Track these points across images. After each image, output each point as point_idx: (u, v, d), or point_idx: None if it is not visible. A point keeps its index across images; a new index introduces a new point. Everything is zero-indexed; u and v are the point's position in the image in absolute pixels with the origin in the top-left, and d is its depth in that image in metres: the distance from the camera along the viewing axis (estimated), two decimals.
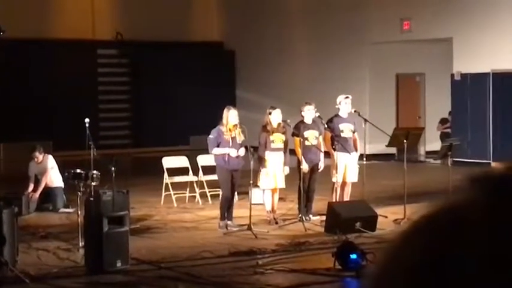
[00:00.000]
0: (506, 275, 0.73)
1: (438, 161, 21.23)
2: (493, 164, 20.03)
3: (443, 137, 21.53)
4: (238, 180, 12.43)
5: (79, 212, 10.72)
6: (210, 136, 12.39)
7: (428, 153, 22.94)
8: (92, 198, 10.31)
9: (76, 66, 25.00)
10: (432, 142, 22.65)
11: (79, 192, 11.00)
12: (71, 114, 22.63)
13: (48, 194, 14.25)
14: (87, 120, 12.14)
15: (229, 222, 12.32)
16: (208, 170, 14.54)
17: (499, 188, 0.77)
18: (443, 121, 22.61)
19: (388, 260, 0.81)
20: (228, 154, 12.16)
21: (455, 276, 0.75)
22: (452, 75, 21.35)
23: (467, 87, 20.91)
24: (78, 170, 11.40)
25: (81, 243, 10.53)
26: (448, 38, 21.22)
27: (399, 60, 23.56)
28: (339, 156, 12.80)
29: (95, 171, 11.48)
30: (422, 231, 0.79)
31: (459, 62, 21.09)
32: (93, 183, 11.33)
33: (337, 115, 13.16)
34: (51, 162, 14.46)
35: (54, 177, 14.33)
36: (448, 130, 21.93)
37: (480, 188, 0.78)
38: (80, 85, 24.88)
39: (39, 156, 14.39)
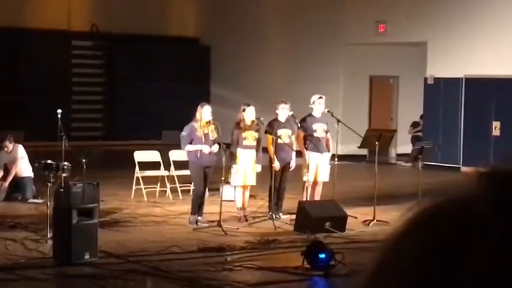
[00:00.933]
0: None
1: (409, 164, 21.29)
2: (463, 169, 20.20)
3: (415, 140, 21.64)
4: (210, 176, 12.44)
5: (48, 203, 10.67)
6: (183, 133, 12.38)
7: (399, 156, 23.06)
8: (61, 190, 10.27)
9: (50, 57, 24.84)
10: (403, 145, 22.76)
11: (49, 183, 10.93)
12: (44, 104, 22.49)
13: (18, 184, 14.16)
14: (59, 111, 12.08)
15: (199, 218, 12.32)
16: (179, 165, 14.53)
17: (506, 183, 0.78)
18: (414, 124, 22.74)
19: (386, 255, 0.80)
20: (201, 150, 12.15)
21: (463, 269, 0.75)
22: (425, 79, 21.49)
23: (439, 92, 21.06)
24: (49, 161, 11.35)
25: (49, 235, 10.48)
26: (422, 42, 21.35)
27: (373, 62, 23.67)
28: (311, 156, 12.84)
29: (65, 163, 11.43)
30: (424, 225, 0.78)
31: (433, 66, 21.23)
32: (64, 175, 11.28)
33: (310, 115, 13.20)
34: (21, 151, 14.37)
35: (24, 167, 14.23)
36: (420, 133, 22.06)
37: (488, 183, 0.78)
38: (53, 76, 24.74)
39: (9, 145, 14.29)
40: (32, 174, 14.08)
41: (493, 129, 19.84)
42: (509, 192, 0.77)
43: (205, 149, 12.12)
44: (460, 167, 20.36)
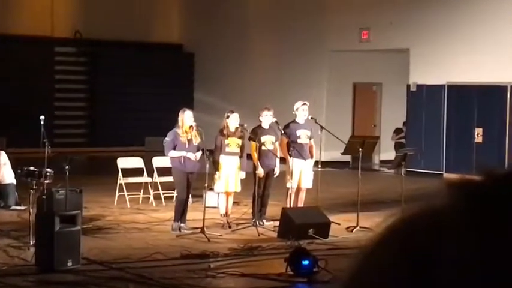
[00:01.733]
0: (484, 279, 0.74)
1: (392, 171, 21.42)
2: (446, 175, 20.26)
3: (398, 146, 21.73)
4: (193, 182, 12.42)
5: (31, 210, 10.62)
6: (166, 139, 12.37)
7: (383, 162, 23.13)
8: (44, 196, 10.23)
9: (33, 63, 24.76)
10: (386, 151, 22.83)
11: (31, 190, 10.88)
12: (27, 111, 22.40)
13: (0, 191, 14.07)
14: (42, 117, 12.04)
15: (182, 224, 12.30)
16: (163, 171, 14.50)
17: (478, 194, 0.78)
18: (398, 131, 22.82)
19: (361, 265, 0.80)
20: (184, 156, 12.13)
21: (432, 280, 0.75)
22: (408, 86, 21.57)
23: (422, 99, 21.14)
24: (32, 168, 11.29)
25: (32, 241, 10.42)
26: (405, 49, 21.44)
27: (357, 69, 23.73)
28: (294, 162, 12.85)
29: (48, 169, 11.39)
30: (399, 234, 0.79)
31: (415, 73, 21.32)
32: (47, 181, 11.24)
33: (294, 121, 13.21)
34: (3, 158, 14.29)
35: (6, 174, 14.15)
36: (403, 140, 22.13)
37: (460, 194, 0.79)
38: (36, 82, 24.66)
39: None
40: (14, 181, 14.00)
41: (476, 136, 19.93)
42: (480, 205, 0.78)
43: (191, 155, 12.11)
44: (442, 174, 20.44)
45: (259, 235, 12.01)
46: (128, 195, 14.66)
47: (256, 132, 12.82)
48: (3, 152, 14.47)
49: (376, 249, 0.80)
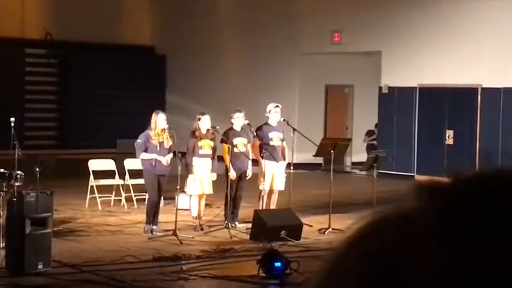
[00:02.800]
0: (452, 284, 0.73)
1: (364, 172, 21.46)
2: (417, 177, 20.37)
3: (369, 148, 21.79)
4: (164, 185, 12.38)
5: (1, 213, 10.52)
6: (138, 141, 12.31)
7: (354, 164, 23.20)
8: (14, 199, 10.13)
9: (3, 65, 24.56)
10: (358, 153, 22.90)
11: (1, 192, 10.77)
12: None
13: None
14: (12, 119, 11.92)
15: (154, 227, 12.26)
16: (134, 173, 14.44)
17: (446, 197, 0.77)
18: (369, 133, 22.91)
19: (329, 268, 0.80)
20: (156, 159, 12.09)
21: (400, 283, 0.74)
22: (380, 88, 21.66)
23: (394, 101, 21.24)
24: (2, 170, 11.17)
25: (2, 244, 10.32)
26: (377, 52, 21.53)
27: (329, 72, 23.80)
28: (267, 165, 12.85)
29: (18, 172, 11.27)
30: (366, 237, 0.78)
31: (387, 75, 21.42)
32: (17, 184, 11.12)
33: (266, 123, 13.22)
34: None
35: None
36: (374, 142, 22.23)
37: (428, 197, 0.78)
38: (6, 84, 24.45)
39: None
40: None
41: (447, 138, 20.06)
42: (447, 208, 0.77)
43: (162, 159, 12.07)
44: (414, 175, 20.54)
45: (231, 237, 11.99)
46: (100, 197, 14.58)
47: (228, 135, 12.80)
48: None
49: (344, 253, 0.79)
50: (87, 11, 26.33)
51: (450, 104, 19.99)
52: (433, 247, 0.74)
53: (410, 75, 20.66)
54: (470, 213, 0.76)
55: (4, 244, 10.19)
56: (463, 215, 0.76)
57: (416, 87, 20.68)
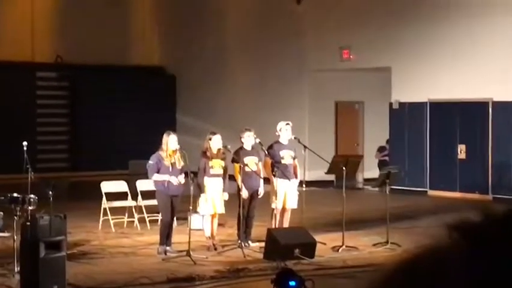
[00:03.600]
0: None
1: (376, 189, 21.44)
2: (430, 193, 20.31)
3: (381, 164, 21.76)
4: (177, 205, 12.38)
5: (15, 237, 10.54)
6: (149, 162, 12.32)
7: (367, 181, 23.15)
8: (28, 223, 10.15)
9: (15, 89, 24.69)
10: (370, 169, 22.87)
11: (15, 217, 10.80)
12: (9, 136, 22.30)
13: None
14: (24, 143, 11.97)
15: (168, 248, 12.25)
16: (147, 194, 14.45)
17: (477, 237, 0.78)
18: (381, 149, 22.87)
19: None
20: (168, 180, 12.10)
21: None
22: (390, 104, 21.65)
23: (405, 116, 21.22)
24: (15, 194, 11.21)
25: (16, 269, 10.33)
26: (386, 67, 21.53)
27: (339, 88, 23.81)
28: (279, 183, 12.84)
29: (32, 195, 11.31)
30: (402, 273, 0.79)
31: (397, 91, 21.41)
32: (30, 208, 11.16)
33: (277, 141, 13.22)
34: None
35: None
36: (386, 158, 22.18)
37: (460, 235, 0.79)
38: (18, 107, 24.57)
39: None
40: None
41: (459, 153, 20.01)
42: (477, 246, 0.78)
43: (174, 180, 12.07)
44: (426, 191, 20.48)
45: (245, 257, 11.97)
46: (113, 219, 14.59)
47: (239, 154, 12.80)
48: None
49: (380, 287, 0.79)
50: (97, 33, 26.46)
51: (461, 118, 19.95)
52: (464, 280, 0.74)
53: (421, 90, 20.65)
54: (501, 252, 0.76)
55: (19, 268, 10.20)
56: (495, 254, 0.76)
57: (426, 102, 20.65)
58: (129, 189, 15.18)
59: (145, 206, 14.77)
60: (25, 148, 11.93)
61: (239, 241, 12.56)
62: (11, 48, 25.20)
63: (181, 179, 12.13)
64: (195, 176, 12.40)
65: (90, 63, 25.96)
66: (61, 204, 12.83)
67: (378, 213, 15.01)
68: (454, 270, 0.77)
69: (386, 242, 12.75)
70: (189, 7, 26.71)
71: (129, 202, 14.99)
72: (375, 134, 23.52)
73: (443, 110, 20.26)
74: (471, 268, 0.76)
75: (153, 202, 13.45)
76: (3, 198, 11.46)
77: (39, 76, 25.92)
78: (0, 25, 25.41)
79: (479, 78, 19.41)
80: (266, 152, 13.02)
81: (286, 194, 12.99)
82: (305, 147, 13.49)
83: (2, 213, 13.79)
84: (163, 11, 27.93)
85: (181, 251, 12.07)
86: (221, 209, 12.64)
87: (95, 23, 26.55)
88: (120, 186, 15.35)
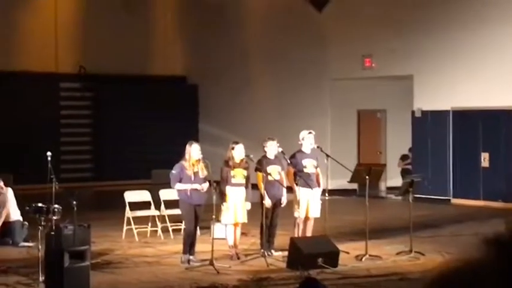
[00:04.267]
0: None
1: (399, 197, 21.39)
2: (453, 201, 20.22)
3: (404, 173, 21.71)
4: (201, 214, 12.41)
5: (40, 246, 10.61)
6: (172, 171, 12.37)
7: (389, 189, 23.09)
8: (52, 233, 10.22)
9: (39, 99, 24.88)
10: (393, 178, 22.81)
11: (40, 227, 10.88)
12: (33, 146, 22.47)
13: (7, 228, 14.06)
14: (49, 153, 12.04)
15: (191, 257, 12.28)
16: (170, 204, 14.49)
17: (510, 250, 0.80)
18: (404, 157, 22.80)
19: None
20: (191, 189, 12.14)
21: None
22: (412, 112, 21.59)
23: (427, 124, 21.15)
24: (40, 204, 11.30)
25: (41, 278, 10.40)
26: (408, 76, 21.49)
27: (361, 97, 23.78)
28: (302, 192, 12.84)
29: (56, 205, 11.39)
30: (440, 286, 0.80)
31: (419, 99, 21.35)
32: (54, 217, 11.23)
33: (300, 150, 13.22)
34: (10, 195, 14.30)
35: (12, 211, 14.16)
36: (409, 166, 22.11)
37: (495, 250, 0.81)
38: (42, 118, 24.75)
39: (3, 186, 14.23)
40: (20, 218, 14.01)
41: (482, 161, 19.91)
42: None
43: (197, 186, 12.11)
44: (450, 199, 20.40)
45: (268, 266, 11.97)
46: (136, 228, 14.65)
47: (262, 163, 12.82)
48: (10, 189, 14.48)
49: None
50: (120, 44, 26.62)
51: (484, 126, 19.86)
52: None
53: (443, 98, 20.58)
54: None
55: (43, 278, 10.27)
56: None
57: (449, 111, 20.58)
58: (152, 198, 15.24)
59: (168, 215, 14.82)
60: (49, 158, 12.00)
61: (262, 250, 12.57)
62: (35, 60, 25.41)
63: (205, 186, 12.16)
64: (217, 185, 12.43)
65: (113, 74, 26.11)
66: (85, 214, 12.91)
67: (401, 222, 14.97)
68: (491, 285, 0.78)
69: (410, 251, 12.71)
70: (211, 16, 26.80)
71: (153, 211, 15.05)
72: (397, 143, 23.47)
73: (466, 118, 20.18)
74: (508, 283, 0.78)
75: (176, 211, 13.49)
76: (28, 208, 11.55)
77: (63, 87, 26.10)
78: (24, 37, 25.63)
79: (502, 86, 19.33)
80: (289, 161, 13.03)
81: (309, 203, 12.99)
82: (328, 156, 13.48)
83: (27, 223, 13.90)
84: (186, 20, 28.04)
85: (204, 260, 12.10)
86: (243, 218, 12.66)
87: (117, 33, 26.71)
88: (144, 195, 15.41)
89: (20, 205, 13.84)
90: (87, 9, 26.53)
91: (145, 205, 15.18)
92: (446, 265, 0.83)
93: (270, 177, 12.72)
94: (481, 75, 19.75)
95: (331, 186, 13.48)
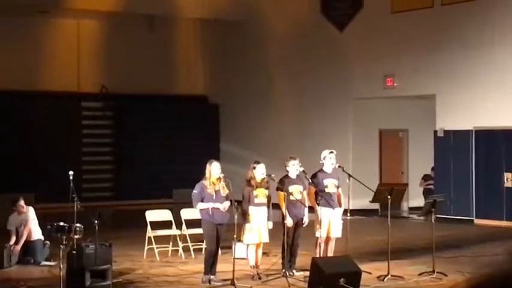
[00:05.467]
0: None
1: (421, 217, 21.26)
2: (476, 221, 20.07)
3: (426, 193, 21.58)
4: (223, 234, 12.37)
5: (61, 265, 10.62)
6: (194, 191, 12.34)
7: (412, 209, 22.97)
8: (74, 252, 10.24)
9: (61, 118, 25.02)
10: (415, 198, 22.70)
11: (62, 246, 10.89)
12: (55, 166, 22.56)
13: (29, 247, 14.10)
14: (71, 172, 12.08)
15: (212, 276, 12.23)
16: (191, 223, 14.48)
17: None
18: (426, 177, 22.69)
19: None
20: (213, 208, 12.11)
21: None
22: (435, 132, 21.50)
23: (450, 144, 21.05)
24: (61, 223, 11.32)
25: None
26: (431, 95, 21.42)
27: (382, 116, 23.73)
28: (323, 211, 12.79)
29: (78, 224, 11.41)
30: None
31: (442, 118, 21.26)
32: (76, 236, 11.25)
33: (321, 170, 13.17)
34: (31, 214, 14.35)
35: (34, 230, 14.20)
36: (431, 186, 21.99)
37: None
38: (64, 137, 24.88)
39: (24, 205, 14.28)
40: (42, 237, 14.04)
41: (505, 181, 19.77)
42: None
43: (218, 205, 12.09)
44: (473, 220, 20.25)
45: (289, 286, 11.91)
46: (157, 248, 14.64)
47: (284, 182, 12.78)
48: (31, 208, 14.54)
49: None
50: (141, 64, 26.76)
51: (507, 146, 19.74)
52: None
53: (466, 118, 20.49)
54: None
55: None
56: None
57: (472, 130, 20.47)
58: (174, 217, 15.23)
59: (189, 235, 14.80)
60: (71, 177, 12.04)
61: (283, 270, 12.51)
62: (57, 79, 25.58)
63: (226, 205, 12.14)
64: (239, 204, 12.40)
65: (134, 93, 26.22)
66: (106, 233, 12.92)
67: (424, 242, 14.87)
68: None
69: (433, 271, 12.61)
70: (233, 36, 26.89)
71: (174, 231, 15.04)
72: (419, 162, 23.36)
73: (489, 138, 20.06)
74: None
75: (197, 231, 13.46)
76: (49, 227, 11.57)
77: (85, 106, 26.24)
78: (46, 56, 25.81)
79: None
80: (310, 181, 12.98)
81: (331, 223, 12.93)
82: (349, 175, 13.41)
83: (48, 242, 13.93)
84: (207, 40, 28.14)
85: (225, 280, 12.05)
86: (266, 238, 12.61)
87: (139, 53, 26.85)
88: (165, 215, 15.41)
89: (42, 224, 13.88)
90: (110, 29, 26.71)
91: (166, 224, 15.17)
92: (473, 280, 0.81)
93: (291, 197, 12.68)
94: (504, 95, 19.64)
95: (352, 206, 13.38)
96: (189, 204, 13.01)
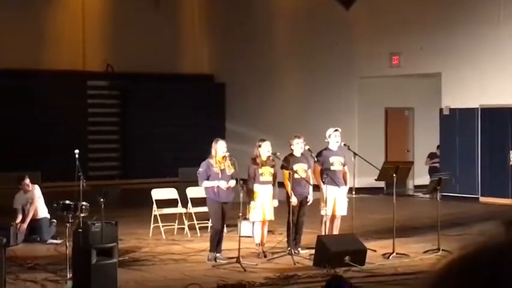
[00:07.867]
0: None
1: (427, 195, 21.25)
2: (482, 199, 20.07)
3: (432, 171, 21.58)
4: (228, 212, 12.41)
5: (67, 244, 10.67)
6: (199, 169, 12.38)
7: (417, 187, 22.98)
8: (80, 230, 10.28)
9: (66, 97, 25.02)
10: (421, 176, 22.70)
11: (68, 224, 10.94)
12: (61, 145, 22.60)
13: (35, 225, 14.16)
14: (76, 151, 12.10)
15: (218, 254, 12.28)
16: (197, 202, 14.51)
17: None
18: (431, 155, 22.68)
19: None
20: (218, 186, 12.15)
21: None
22: (441, 110, 21.46)
23: (455, 122, 21.01)
24: (67, 201, 11.36)
25: (69, 275, 10.46)
26: (436, 73, 21.36)
27: (388, 94, 23.69)
28: (328, 190, 12.80)
29: (84, 203, 11.45)
30: (458, 272, 0.78)
31: (447, 97, 21.22)
32: (82, 215, 11.29)
33: (326, 148, 13.18)
34: (37, 192, 14.39)
35: (40, 208, 14.26)
36: (437, 164, 21.98)
37: None
38: (69, 116, 24.90)
39: (30, 184, 14.33)
40: (48, 216, 14.09)
41: (511, 159, 19.75)
42: None
43: (223, 184, 12.12)
44: (478, 198, 20.25)
45: (295, 264, 11.95)
46: (163, 226, 14.68)
47: (289, 161, 12.80)
48: (37, 186, 14.58)
49: (437, 285, 0.79)
50: (147, 42, 26.71)
51: None
52: None
53: (471, 96, 20.43)
54: None
55: (71, 275, 10.32)
56: None
57: (477, 108, 20.43)
58: (179, 196, 15.27)
59: (195, 213, 14.84)
60: (77, 156, 12.07)
61: (289, 248, 12.55)
62: (63, 58, 25.57)
63: (231, 183, 12.17)
64: (244, 183, 12.43)
65: (140, 72, 26.20)
66: (112, 211, 12.96)
67: (429, 220, 14.89)
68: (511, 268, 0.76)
69: (438, 249, 12.64)
70: (238, 15, 26.82)
71: (180, 209, 15.08)
72: (425, 141, 23.35)
73: (495, 116, 20.02)
74: None
75: (203, 209, 13.50)
76: (56, 205, 11.63)
77: (90, 85, 26.24)
78: (51, 35, 25.79)
79: None
80: (315, 159, 12.99)
81: (336, 201, 12.95)
82: (355, 153, 13.43)
83: (55, 220, 13.99)
84: (213, 19, 28.08)
85: (231, 258, 12.10)
86: (271, 216, 12.65)
87: (144, 32, 26.81)
88: (171, 193, 15.44)
89: (48, 202, 13.93)
90: (115, 7, 26.66)
91: (172, 203, 15.21)
92: (464, 250, 0.81)
93: (296, 175, 12.70)
94: (510, 73, 19.57)
95: (358, 184, 13.43)
96: (195, 183, 13.05)
